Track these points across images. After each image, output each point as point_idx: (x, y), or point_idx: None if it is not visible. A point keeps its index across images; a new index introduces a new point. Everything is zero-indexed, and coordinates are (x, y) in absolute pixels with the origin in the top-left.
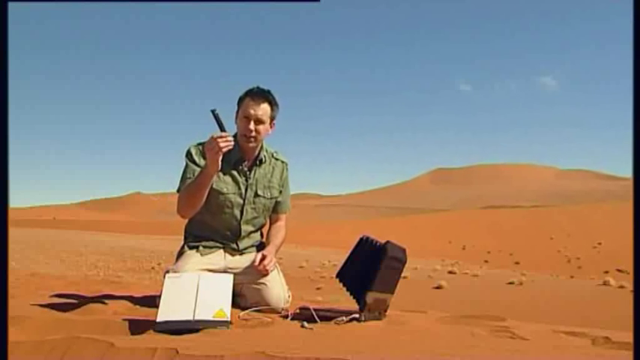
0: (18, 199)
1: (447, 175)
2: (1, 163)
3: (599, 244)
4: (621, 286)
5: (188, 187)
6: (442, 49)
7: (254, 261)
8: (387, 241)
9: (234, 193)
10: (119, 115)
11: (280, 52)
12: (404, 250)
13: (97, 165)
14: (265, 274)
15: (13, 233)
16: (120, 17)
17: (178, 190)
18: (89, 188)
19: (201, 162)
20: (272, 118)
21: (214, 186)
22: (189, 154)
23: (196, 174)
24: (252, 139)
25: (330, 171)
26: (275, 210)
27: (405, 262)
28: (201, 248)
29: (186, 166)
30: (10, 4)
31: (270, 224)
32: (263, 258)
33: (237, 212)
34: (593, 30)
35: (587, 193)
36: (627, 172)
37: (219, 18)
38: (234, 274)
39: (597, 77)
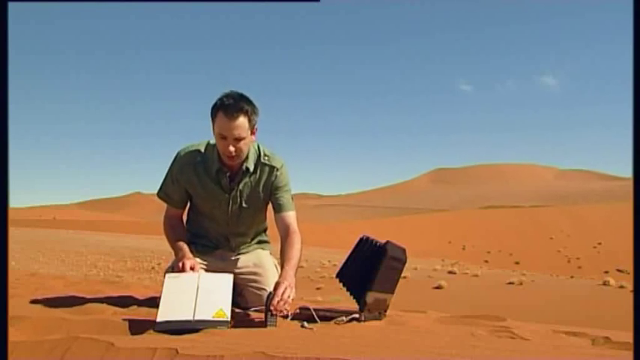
0: (18, 199)
1: (447, 175)
2: (1, 163)
3: (599, 244)
4: (621, 286)
5: (169, 241)
6: (442, 49)
7: (268, 297)
8: (387, 241)
9: (215, 208)
10: (119, 115)
11: (280, 52)
12: (404, 250)
13: (97, 165)
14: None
15: (13, 233)
16: (120, 17)
17: (159, 194)
18: (89, 188)
19: (182, 180)
20: (252, 127)
21: (194, 201)
22: (173, 165)
23: (173, 228)
24: (235, 158)
25: (330, 171)
26: (279, 210)
27: (405, 262)
28: (199, 247)
29: (166, 176)
30: (10, 4)
31: (280, 232)
32: (279, 298)
33: (223, 224)
34: (593, 30)
35: (587, 193)
36: (627, 172)
37: (220, 18)
38: (234, 273)
39: (598, 77)
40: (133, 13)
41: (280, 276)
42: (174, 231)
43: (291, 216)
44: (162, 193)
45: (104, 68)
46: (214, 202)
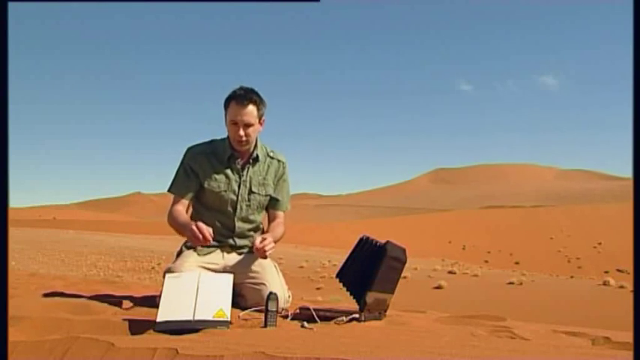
0: (18, 199)
1: (447, 175)
2: (1, 163)
3: (599, 244)
4: (621, 286)
5: (176, 222)
6: (443, 49)
7: (253, 244)
8: (387, 241)
9: (226, 191)
10: (119, 115)
11: (280, 52)
12: (404, 250)
13: (97, 165)
14: (264, 256)
15: (13, 233)
16: (120, 17)
17: (169, 190)
18: (89, 188)
19: (195, 167)
20: (260, 117)
21: (206, 185)
22: (184, 158)
23: (182, 218)
24: (245, 143)
25: (330, 171)
26: (273, 207)
27: (405, 262)
28: (198, 248)
29: (178, 170)
30: (10, 4)
31: (269, 222)
32: (263, 239)
33: (230, 209)
34: (594, 29)
35: (587, 193)
36: (627, 172)
37: (220, 18)
38: (234, 273)
39: (598, 77)
40: (133, 12)
41: (264, 234)
42: (179, 216)
43: (282, 215)
44: (174, 188)
45: (104, 68)
46: (226, 185)
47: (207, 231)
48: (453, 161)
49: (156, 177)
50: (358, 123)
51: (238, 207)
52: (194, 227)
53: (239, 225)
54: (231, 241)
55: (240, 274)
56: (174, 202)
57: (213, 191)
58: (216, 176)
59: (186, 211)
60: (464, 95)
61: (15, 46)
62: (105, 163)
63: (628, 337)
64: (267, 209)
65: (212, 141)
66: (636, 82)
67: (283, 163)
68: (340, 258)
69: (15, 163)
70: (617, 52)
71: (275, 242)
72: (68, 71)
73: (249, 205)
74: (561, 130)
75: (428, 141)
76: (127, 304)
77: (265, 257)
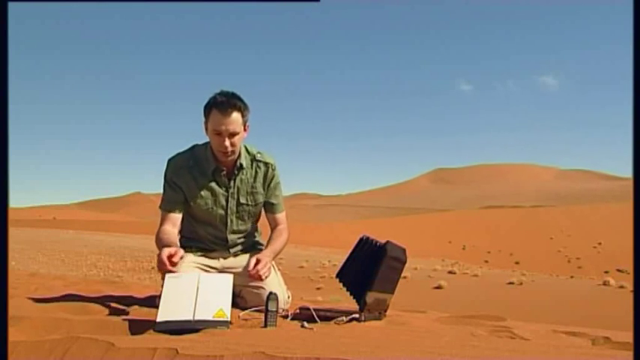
0: (18, 199)
1: (447, 175)
2: (1, 163)
3: (599, 244)
4: (621, 286)
5: (160, 244)
6: (443, 50)
7: (248, 265)
8: (387, 241)
9: (214, 207)
10: (119, 115)
11: (280, 52)
12: (404, 250)
13: (97, 165)
14: (258, 279)
15: (13, 233)
16: (120, 17)
17: (160, 207)
18: (89, 188)
19: (179, 182)
20: (244, 123)
21: (192, 203)
22: (166, 173)
23: (165, 239)
24: (230, 154)
25: (330, 171)
26: (271, 211)
27: (405, 262)
28: (195, 249)
29: (164, 188)
30: (10, 4)
31: (271, 228)
32: (257, 262)
33: (221, 225)
34: (594, 29)
35: (587, 193)
36: (627, 172)
37: (220, 18)
38: (233, 275)
39: (598, 77)
40: (133, 12)
41: (260, 254)
42: (162, 238)
43: (282, 217)
44: (163, 205)
45: (104, 68)
46: (213, 201)
47: (171, 257)
48: (453, 161)
49: (156, 177)
50: (358, 123)
51: (228, 221)
52: (160, 255)
53: (231, 237)
54: (225, 252)
55: (239, 276)
56: (162, 221)
57: (200, 209)
58: (202, 193)
59: (180, 225)
60: (464, 95)
61: (15, 46)
62: (105, 163)
63: (628, 337)
64: (266, 214)
65: (193, 148)
66: (636, 82)
67: (272, 165)
68: (340, 258)
69: (15, 163)
70: (617, 52)
71: (275, 254)
72: (68, 71)
73: (239, 217)
74: (561, 129)
75: (428, 141)
76: (126, 304)
77: (260, 280)
